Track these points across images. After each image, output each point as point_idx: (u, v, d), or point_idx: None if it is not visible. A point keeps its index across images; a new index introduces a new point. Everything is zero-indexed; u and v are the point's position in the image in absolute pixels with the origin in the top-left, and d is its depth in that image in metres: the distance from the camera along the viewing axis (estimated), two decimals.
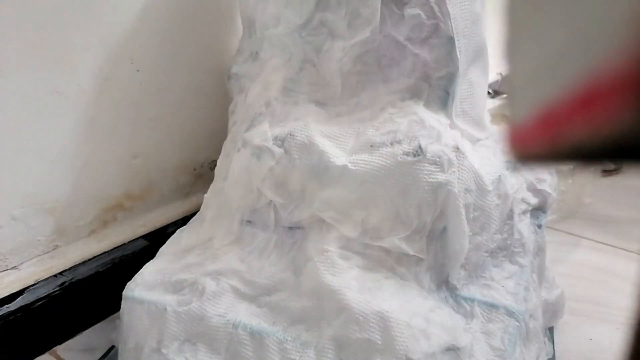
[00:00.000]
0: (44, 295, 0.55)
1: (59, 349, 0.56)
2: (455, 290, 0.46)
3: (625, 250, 0.79)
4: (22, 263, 0.55)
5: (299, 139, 0.48)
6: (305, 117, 0.51)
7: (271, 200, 0.49)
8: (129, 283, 0.49)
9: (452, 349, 0.41)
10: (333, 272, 0.44)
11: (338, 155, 0.47)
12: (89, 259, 0.58)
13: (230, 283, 0.47)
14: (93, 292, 0.59)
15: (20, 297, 0.53)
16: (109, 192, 0.61)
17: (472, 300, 0.46)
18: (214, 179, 0.57)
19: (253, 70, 0.58)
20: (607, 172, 1.01)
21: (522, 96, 0.14)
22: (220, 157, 0.59)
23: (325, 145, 0.48)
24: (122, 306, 0.48)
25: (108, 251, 0.60)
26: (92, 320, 0.60)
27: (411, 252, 0.45)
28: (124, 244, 0.62)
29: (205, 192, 0.57)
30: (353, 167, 0.46)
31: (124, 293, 0.49)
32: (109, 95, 0.58)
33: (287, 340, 0.43)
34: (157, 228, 0.65)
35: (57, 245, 0.57)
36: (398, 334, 0.40)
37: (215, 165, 0.59)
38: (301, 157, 0.48)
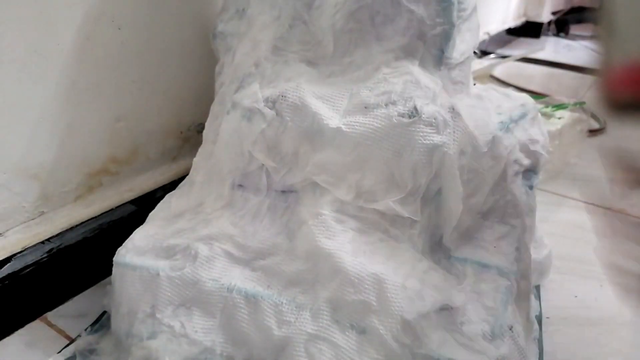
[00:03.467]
0: (31, 262, 0.54)
1: (50, 315, 0.56)
2: (449, 252, 0.46)
3: (608, 209, 0.81)
4: (7, 230, 0.53)
5: (291, 100, 0.47)
6: (296, 77, 0.50)
7: (263, 164, 0.49)
8: (119, 249, 0.49)
9: (446, 309, 0.42)
10: (328, 235, 0.44)
11: (331, 117, 0.46)
12: (77, 225, 0.57)
13: (223, 247, 0.47)
14: (82, 258, 0.58)
15: (8, 264, 0.52)
16: (93, 156, 0.60)
17: (465, 261, 0.46)
18: (203, 143, 0.56)
19: (240, 28, 0.56)
20: (592, 132, 1.02)
21: (624, 42, 0.14)
22: (208, 119, 0.57)
23: (318, 106, 0.47)
24: (113, 272, 0.48)
25: (95, 217, 0.59)
26: (82, 286, 0.59)
27: (405, 214, 0.45)
28: (112, 209, 0.61)
29: (193, 156, 0.56)
30: (347, 129, 0.45)
31: (115, 259, 0.48)
32: (90, 55, 0.55)
33: (282, 303, 0.43)
34: (144, 193, 0.64)
35: (43, 212, 0.56)
36: (393, 295, 0.41)
37: (202, 128, 0.58)
38: (293, 119, 0.47)
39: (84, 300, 0.58)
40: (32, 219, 0.55)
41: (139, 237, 0.49)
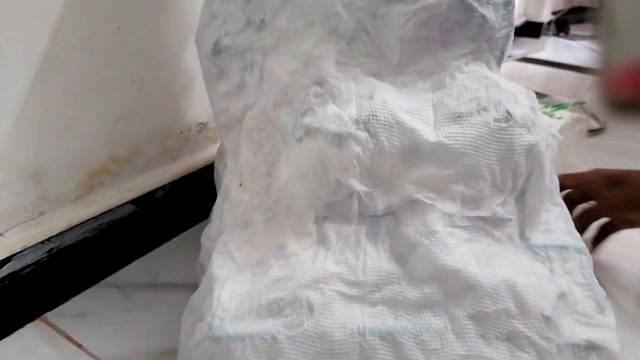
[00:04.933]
0: (31, 262, 0.54)
1: (50, 315, 0.56)
2: (528, 241, 0.48)
3: None
4: (7, 230, 0.53)
5: (383, 119, 0.45)
6: (374, 93, 0.47)
7: (353, 191, 0.45)
8: (209, 320, 0.40)
9: (562, 295, 0.43)
10: (448, 252, 0.43)
11: (427, 131, 0.45)
12: (76, 225, 0.57)
13: (335, 289, 0.42)
14: (82, 258, 0.59)
15: (8, 264, 0.52)
16: (93, 156, 0.60)
17: (545, 246, 0.47)
18: (223, 184, 0.50)
19: (266, 41, 0.49)
20: (592, 132, 1.02)
21: (624, 42, 0.14)
22: (230, 149, 0.51)
23: (412, 122, 0.45)
24: (210, 350, 0.39)
25: (95, 217, 0.59)
26: (82, 286, 0.59)
27: (506, 216, 0.46)
28: (112, 209, 0.60)
29: (193, 156, 0.55)
30: (449, 142, 0.45)
31: (211, 333, 0.39)
32: (90, 55, 0.55)
33: (420, 332, 0.40)
34: (144, 193, 0.64)
35: (42, 212, 0.56)
36: (527, 295, 0.41)
37: (202, 127, 0.58)
38: (389, 139, 0.44)
39: (84, 300, 0.58)
40: (32, 219, 0.55)
41: (226, 300, 0.41)
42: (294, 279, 0.42)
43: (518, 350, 0.40)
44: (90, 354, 0.51)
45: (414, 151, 0.45)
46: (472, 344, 0.40)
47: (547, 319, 0.40)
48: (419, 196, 0.45)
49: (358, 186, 0.45)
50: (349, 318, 0.40)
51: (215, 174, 0.59)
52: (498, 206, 0.46)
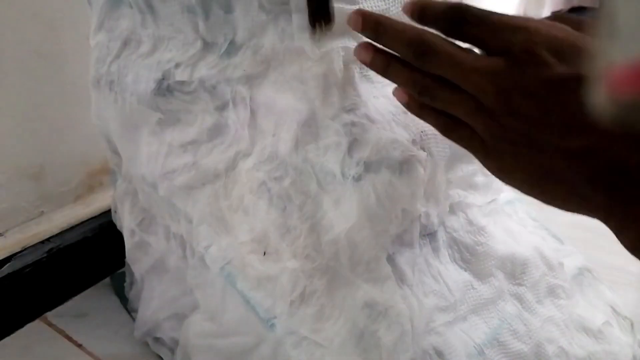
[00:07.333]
0: (31, 262, 0.54)
1: (50, 315, 0.56)
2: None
3: None
4: (7, 230, 0.53)
5: (430, 132, 0.42)
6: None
7: (418, 215, 0.42)
8: None
9: (544, 239, 0.51)
10: (497, 241, 0.47)
11: None
12: (76, 225, 0.57)
13: (442, 323, 0.41)
14: (82, 258, 0.58)
15: (8, 264, 0.52)
16: (93, 156, 0.60)
17: (512, 202, 0.52)
18: (215, 266, 0.39)
19: (245, 68, 0.38)
20: None
21: (624, 42, 0.14)
22: (195, 225, 0.41)
23: None
24: None
25: (95, 217, 0.59)
26: (82, 286, 0.59)
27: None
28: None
29: None
30: None
31: None
32: (89, 56, 0.55)
33: (509, 324, 0.43)
34: None
35: (42, 212, 0.56)
36: (545, 253, 0.47)
37: None
38: (438, 152, 0.42)
39: (84, 300, 0.58)
40: (32, 219, 0.55)
41: None
42: (408, 334, 0.38)
43: (558, 299, 0.46)
44: (90, 354, 0.51)
45: (452, 156, 0.44)
46: (536, 313, 0.44)
47: (561, 264, 0.47)
48: (461, 198, 0.46)
49: (422, 208, 0.42)
50: (465, 345, 0.41)
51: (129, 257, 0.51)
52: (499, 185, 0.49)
